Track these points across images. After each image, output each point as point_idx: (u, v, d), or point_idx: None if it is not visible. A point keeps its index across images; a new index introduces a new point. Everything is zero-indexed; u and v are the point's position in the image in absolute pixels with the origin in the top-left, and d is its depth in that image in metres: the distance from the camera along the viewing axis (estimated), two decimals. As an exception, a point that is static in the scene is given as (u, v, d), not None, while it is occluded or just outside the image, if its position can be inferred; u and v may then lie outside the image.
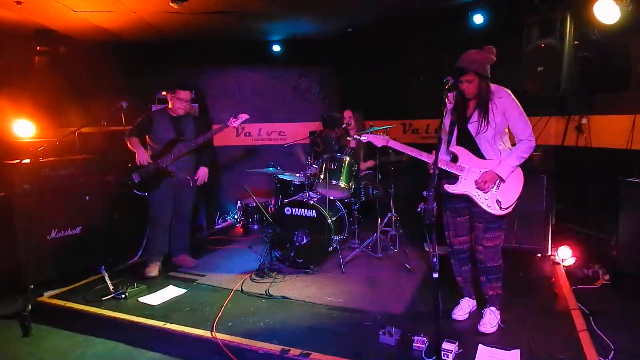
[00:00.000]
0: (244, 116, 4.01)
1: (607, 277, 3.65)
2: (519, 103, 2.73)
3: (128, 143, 3.93)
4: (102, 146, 4.82)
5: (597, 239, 4.03)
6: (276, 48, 5.83)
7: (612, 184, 3.73)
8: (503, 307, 2.94)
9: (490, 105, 2.69)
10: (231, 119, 4.00)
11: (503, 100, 2.70)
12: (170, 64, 5.68)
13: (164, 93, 5.19)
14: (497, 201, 2.73)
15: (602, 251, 3.89)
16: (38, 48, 4.58)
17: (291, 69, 6.15)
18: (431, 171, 2.95)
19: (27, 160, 3.84)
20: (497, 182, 2.73)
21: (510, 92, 2.74)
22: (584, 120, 4.24)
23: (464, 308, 3.05)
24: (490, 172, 2.72)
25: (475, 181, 2.75)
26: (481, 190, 2.74)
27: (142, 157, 3.87)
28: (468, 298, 3.10)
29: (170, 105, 4.00)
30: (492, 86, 2.74)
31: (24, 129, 4.35)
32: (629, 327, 2.95)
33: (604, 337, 2.75)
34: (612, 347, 2.64)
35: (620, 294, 3.45)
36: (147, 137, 4.00)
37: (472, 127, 2.75)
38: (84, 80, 4.76)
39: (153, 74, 5.56)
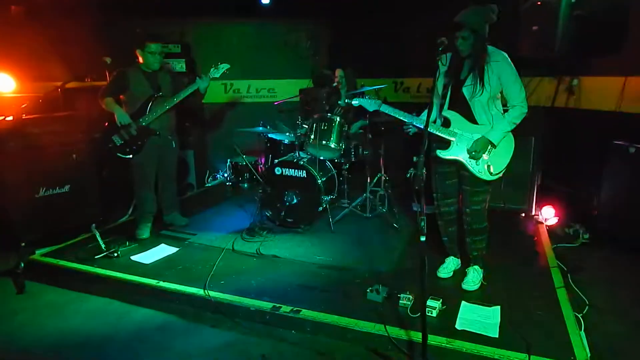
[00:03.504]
0: (225, 66, 3.85)
1: (587, 236, 3.79)
2: (514, 67, 2.67)
3: (103, 104, 3.70)
4: (87, 102, 4.69)
5: (580, 199, 4.14)
6: (265, 0, 5.60)
7: (598, 146, 3.78)
8: (486, 265, 3.05)
9: (485, 68, 2.63)
10: (212, 69, 3.84)
11: (499, 64, 2.64)
12: (155, 16, 5.42)
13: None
14: (488, 166, 2.75)
15: (584, 211, 4.01)
16: (13, -4, 4.34)
17: (281, 22, 5.93)
18: (408, 130, 2.95)
19: (10, 118, 3.74)
20: (489, 147, 2.73)
21: (507, 55, 2.67)
22: (575, 82, 4.22)
23: (448, 267, 3.15)
24: (482, 138, 2.71)
25: (467, 150, 2.74)
26: (473, 158, 2.74)
27: (123, 117, 3.66)
28: (453, 257, 3.20)
29: (141, 60, 3.73)
30: (489, 48, 2.67)
31: (4, 83, 4.20)
32: (603, 284, 3.12)
33: (580, 293, 2.90)
34: (587, 303, 2.80)
35: (598, 252, 3.60)
36: (121, 96, 3.78)
37: (466, 90, 2.70)
38: (64, 32, 4.51)
39: (137, 26, 5.31)
